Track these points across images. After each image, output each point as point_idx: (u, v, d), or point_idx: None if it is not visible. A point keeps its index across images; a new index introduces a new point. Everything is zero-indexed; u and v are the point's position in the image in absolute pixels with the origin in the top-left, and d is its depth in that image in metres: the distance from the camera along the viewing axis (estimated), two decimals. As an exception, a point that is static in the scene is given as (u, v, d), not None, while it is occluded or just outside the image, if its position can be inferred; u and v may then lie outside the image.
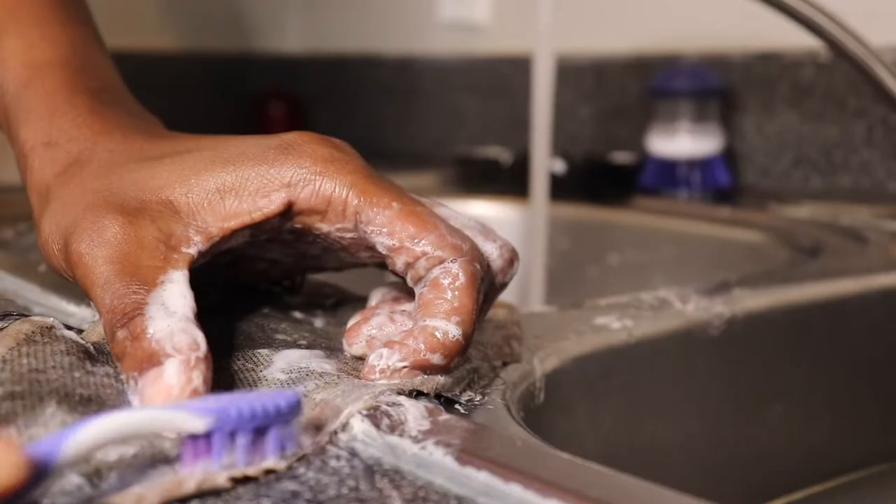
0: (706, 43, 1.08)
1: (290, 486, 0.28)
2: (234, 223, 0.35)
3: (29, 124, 0.41)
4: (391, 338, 0.35)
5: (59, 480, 0.26)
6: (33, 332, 0.35)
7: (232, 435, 0.28)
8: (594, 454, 0.44)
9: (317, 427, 0.31)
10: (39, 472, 0.25)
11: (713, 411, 0.51)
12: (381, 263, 0.40)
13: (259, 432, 0.28)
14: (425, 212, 0.36)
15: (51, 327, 0.35)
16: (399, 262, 0.35)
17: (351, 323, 0.38)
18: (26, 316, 0.37)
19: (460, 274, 0.35)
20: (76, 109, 0.41)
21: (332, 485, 0.28)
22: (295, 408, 0.29)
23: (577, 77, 1.20)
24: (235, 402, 0.28)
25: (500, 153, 1.10)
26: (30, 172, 0.40)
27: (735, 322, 0.51)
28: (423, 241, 0.35)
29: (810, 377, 0.55)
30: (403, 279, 0.37)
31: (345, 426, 0.31)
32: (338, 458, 0.29)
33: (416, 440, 0.30)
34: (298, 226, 0.37)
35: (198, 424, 0.27)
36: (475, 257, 0.36)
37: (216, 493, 0.27)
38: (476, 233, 0.38)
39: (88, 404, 0.31)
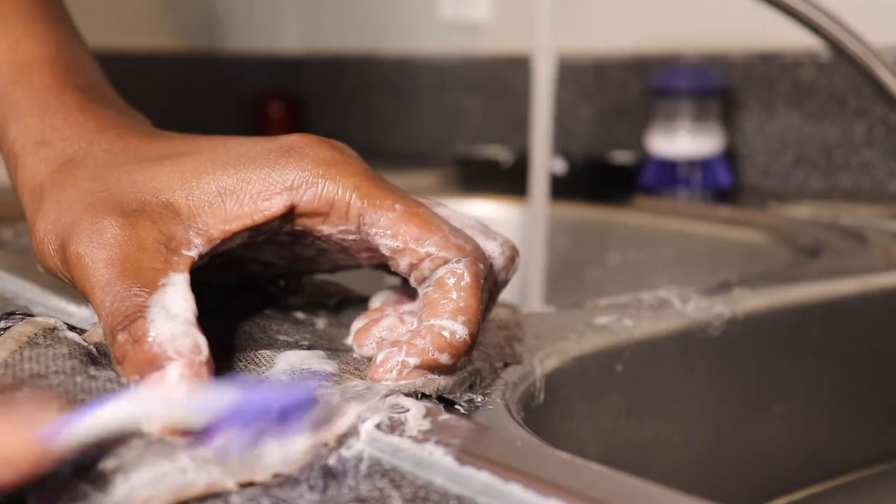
0: (706, 43, 1.08)
1: (289, 486, 0.28)
2: (234, 225, 0.35)
3: (19, 122, 0.41)
4: (399, 338, 0.35)
5: (68, 490, 0.26)
6: (35, 335, 0.34)
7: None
8: (594, 454, 0.44)
9: (322, 427, 0.31)
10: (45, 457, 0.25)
11: (713, 411, 0.51)
12: (378, 265, 0.40)
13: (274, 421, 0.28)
14: (428, 213, 0.36)
15: (53, 328, 0.35)
16: (403, 264, 0.35)
17: (359, 325, 0.38)
18: (30, 316, 0.37)
19: (465, 274, 0.35)
20: (67, 108, 0.41)
21: (331, 485, 0.28)
22: (307, 405, 0.29)
23: (578, 77, 1.20)
24: (246, 397, 0.28)
25: (500, 153, 1.10)
26: (21, 171, 0.39)
27: (735, 322, 0.51)
28: (427, 243, 0.35)
29: (810, 377, 0.55)
30: (404, 279, 0.37)
31: (353, 427, 0.31)
32: (337, 457, 0.30)
33: (416, 440, 0.30)
34: (299, 228, 0.37)
35: (197, 420, 0.27)
36: (479, 257, 0.36)
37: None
38: (477, 232, 0.38)
39: None
